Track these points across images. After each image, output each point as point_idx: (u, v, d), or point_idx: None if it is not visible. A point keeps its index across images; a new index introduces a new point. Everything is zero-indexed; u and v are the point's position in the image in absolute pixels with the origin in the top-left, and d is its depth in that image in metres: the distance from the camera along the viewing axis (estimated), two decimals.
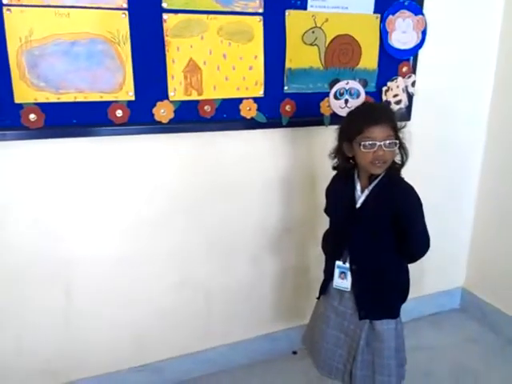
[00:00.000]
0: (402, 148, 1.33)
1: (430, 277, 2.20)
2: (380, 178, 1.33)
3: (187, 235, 1.69)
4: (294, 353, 2.00)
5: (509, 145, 2.04)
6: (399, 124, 1.31)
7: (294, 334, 1.95)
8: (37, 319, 1.55)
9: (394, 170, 1.35)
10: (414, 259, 1.41)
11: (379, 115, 1.29)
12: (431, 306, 2.29)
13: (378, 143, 1.25)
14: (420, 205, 1.32)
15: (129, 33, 1.39)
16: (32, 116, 1.34)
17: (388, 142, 1.26)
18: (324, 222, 1.52)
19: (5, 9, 1.25)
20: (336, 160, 1.42)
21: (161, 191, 1.61)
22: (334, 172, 1.49)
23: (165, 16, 1.42)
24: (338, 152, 1.40)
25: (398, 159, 1.34)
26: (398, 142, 1.28)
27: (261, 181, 1.74)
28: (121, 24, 1.37)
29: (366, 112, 1.35)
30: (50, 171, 1.45)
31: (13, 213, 1.43)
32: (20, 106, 1.33)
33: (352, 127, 1.32)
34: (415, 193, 1.32)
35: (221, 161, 1.66)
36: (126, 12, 1.37)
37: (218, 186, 1.68)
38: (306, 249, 1.90)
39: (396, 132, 1.29)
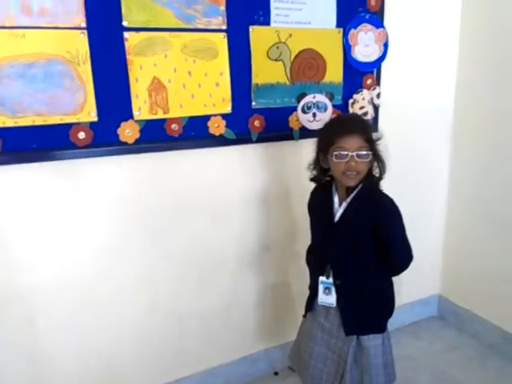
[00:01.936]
0: (379, 160, 1.32)
1: (407, 286, 2.19)
2: (357, 190, 1.32)
3: (157, 257, 1.63)
4: (276, 374, 1.94)
5: (474, 151, 2.09)
6: (375, 136, 1.31)
7: (275, 353, 1.91)
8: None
9: (373, 182, 1.34)
10: (397, 272, 1.39)
11: (351, 126, 1.29)
12: (409, 315, 2.29)
13: (350, 153, 1.24)
14: (399, 216, 1.31)
15: (89, 52, 1.35)
16: None
17: (360, 152, 1.25)
18: (303, 237, 1.50)
19: None
20: (314, 172, 1.42)
21: (130, 213, 1.55)
22: (310, 185, 1.48)
23: (126, 34, 1.39)
24: (316, 164, 1.39)
25: (376, 172, 1.33)
26: (370, 153, 1.27)
27: (234, 198, 1.71)
28: (80, 43, 1.33)
29: (338, 123, 1.36)
30: (10, 198, 1.37)
31: None
32: None
33: (325, 138, 1.32)
34: (394, 204, 1.31)
35: (192, 180, 1.62)
36: (85, 31, 1.33)
37: (190, 206, 1.64)
38: (285, 265, 1.87)
39: (370, 144, 1.29)
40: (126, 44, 1.39)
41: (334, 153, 1.26)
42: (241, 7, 1.53)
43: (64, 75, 1.33)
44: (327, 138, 1.31)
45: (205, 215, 1.68)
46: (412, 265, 1.34)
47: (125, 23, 1.38)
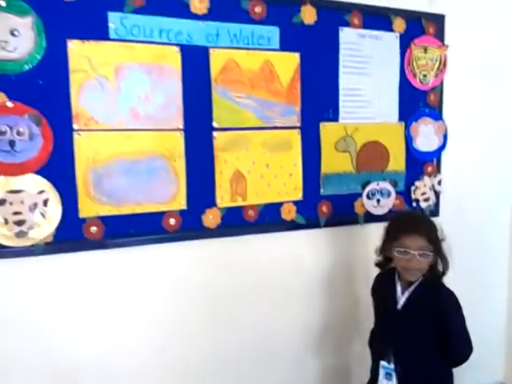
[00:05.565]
0: (443, 259, 1.40)
1: (469, 372, 2.11)
2: (420, 281, 1.40)
3: (222, 340, 1.68)
4: None
5: None
6: (440, 236, 1.39)
7: None
8: None
9: (435, 275, 1.42)
10: (458, 363, 1.42)
11: (415, 226, 1.39)
12: None
13: (412, 252, 1.33)
14: (460, 309, 1.38)
15: (183, 149, 1.52)
16: (93, 228, 1.43)
17: (422, 252, 1.33)
18: (365, 319, 1.54)
19: (75, 133, 1.40)
20: (379, 258, 1.51)
21: (201, 295, 1.63)
22: (375, 268, 1.56)
23: (215, 134, 1.57)
24: (381, 251, 1.49)
25: (440, 267, 1.41)
26: (431, 254, 1.35)
27: (302, 280, 1.78)
28: (177, 142, 1.52)
29: (404, 221, 1.46)
30: (107, 281, 1.50)
31: (70, 319, 1.47)
32: (83, 220, 1.42)
33: (391, 232, 1.43)
34: (455, 297, 1.39)
35: (264, 262, 1.72)
36: (182, 132, 1.52)
37: (260, 287, 1.72)
38: (348, 348, 1.89)
39: (433, 243, 1.36)
40: (215, 142, 1.57)
41: (397, 249, 1.36)
42: (313, 107, 1.71)
43: (162, 170, 1.50)
44: (393, 232, 1.41)
45: (272, 296, 1.75)
46: (474, 351, 1.39)
47: (215, 124, 1.56)
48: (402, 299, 1.42)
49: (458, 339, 1.37)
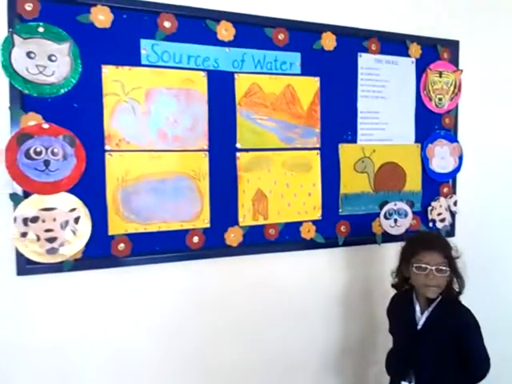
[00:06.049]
0: (458, 277, 1.45)
1: None
2: (438, 300, 1.44)
3: (244, 354, 1.71)
4: None
5: None
6: (454, 254, 1.45)
7: None
8: None
9: (452, 295, 1.46)
10: (477, 379, 1.45)
11: (433, 242, 1.46)
12: None
13: (430, 267, 1.39)
14: (478, 327, 1.43)
15: (208, 169, 1.57)
16: (121, 245, 1.47)
17: (439, 267, 1.39)
18: (383, 340, 1.56)
19: (107, 154, 1.46)
20: (396, 279, 1.55)
21: (222, 312, 1.66)
22: (392, 289, 1.59)
23: (238, 154, 1.62)
24: (398, 272, 1.53)
25: (456, 287, 1.46)
26: (448, 269, 1.40)
27: (320, 299, 1.81)
28: (202, 162, 1.57)
29: (421, 239, 1.53)
30: (137, 296, 1.54)
31: (96, 334, 1.50)
32: (112, 237, 1.47)
33: (408, 250, 1.48)
34: (472, 315, 1.44)
35: (284, 280, 1.74)
36: (207, 152, 1.57)
37: (280, 304, 1.74)
38: (366, 367, 1.89)
39: (449, 261, 1.42)
40: (238, 162, 1.62)
41: (415, 264, 1.41)
42: (333, 129, 1.76)
43: (187, 189, 1.55)
44: (410, 250, 1.47)
45: (291, 314, 1.77)
46: (492, 373, 1.42)
47: (238, 145, 1.62)
48: (421, 319, 1.46)
49: (477, 356, 1.42)
